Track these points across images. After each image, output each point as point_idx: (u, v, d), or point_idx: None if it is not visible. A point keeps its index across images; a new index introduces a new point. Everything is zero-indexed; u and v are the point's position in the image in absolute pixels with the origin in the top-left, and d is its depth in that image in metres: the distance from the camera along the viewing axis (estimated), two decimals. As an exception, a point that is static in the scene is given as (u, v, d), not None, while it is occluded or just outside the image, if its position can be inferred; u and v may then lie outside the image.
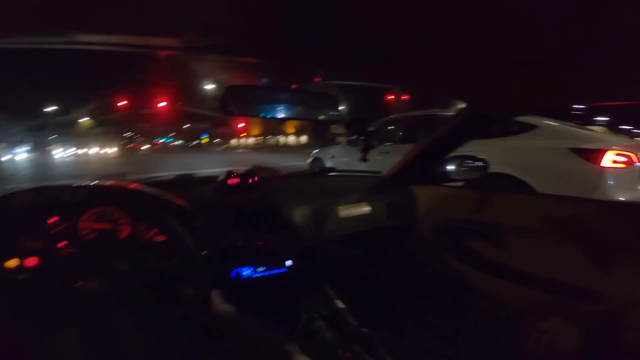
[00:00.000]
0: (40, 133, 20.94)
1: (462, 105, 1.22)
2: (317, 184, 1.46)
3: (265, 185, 1.17)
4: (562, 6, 0.48)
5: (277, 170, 1.67)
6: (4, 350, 0.53)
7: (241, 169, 1.15)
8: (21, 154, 16.70)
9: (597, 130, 4.41)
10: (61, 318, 0.50)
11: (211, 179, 1.13)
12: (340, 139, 6.57)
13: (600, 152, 2.59)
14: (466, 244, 1.31)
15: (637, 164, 2.59)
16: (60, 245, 0.63)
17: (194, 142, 35.22)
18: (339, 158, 4.69)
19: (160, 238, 0.69)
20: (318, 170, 1.68)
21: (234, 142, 33.45)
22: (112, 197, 0.72)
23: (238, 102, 0.85)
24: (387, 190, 1.42)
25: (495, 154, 2.91)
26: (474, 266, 1.27)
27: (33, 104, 21.61)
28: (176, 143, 36.00)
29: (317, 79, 8.96)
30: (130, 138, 34.10)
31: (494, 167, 2.86)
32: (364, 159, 1.25)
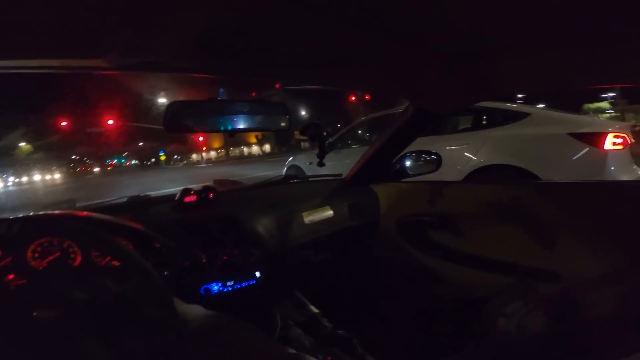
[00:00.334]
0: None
1: (406, 103, 1.28)
2: (279, 192, 1.46)
3: (225, 199, 1.16)
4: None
5: (240, 183, 1.65)
6: None
7: (199, 186, 1.12)
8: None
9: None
10: (21, 350, 0.47)
11: (168, 199, 1.10)
12: (305, 144, 6.60)
13: (602, 135, 2.53)
14: (427, 236, 1.37)
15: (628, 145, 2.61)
16: (9, 277, 0.60)
17: (152, 160, 33.69)
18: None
19: (115, 263, 0.67)
20: (279, 179, 1.67)
21: (195, 156, 32.43)
22: (57, 228, 0.69)
23: (183, 118, 0.83)
24: (348, 191, 1.45)
25: (493, 145, 2.88)
26: (438, 257, 1.32)
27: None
28: (132, 163, 34.20)
29: (277, 86, 8.96)
30: (78, 161, 31.88)
31: (496, 159, 2.83)
32: (320, 164, 1.27)
